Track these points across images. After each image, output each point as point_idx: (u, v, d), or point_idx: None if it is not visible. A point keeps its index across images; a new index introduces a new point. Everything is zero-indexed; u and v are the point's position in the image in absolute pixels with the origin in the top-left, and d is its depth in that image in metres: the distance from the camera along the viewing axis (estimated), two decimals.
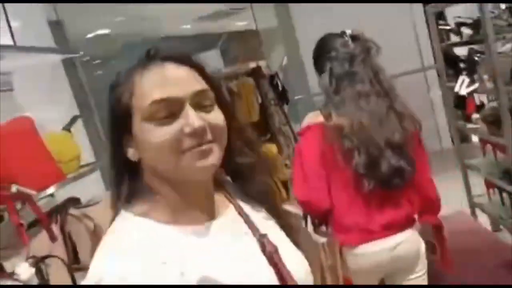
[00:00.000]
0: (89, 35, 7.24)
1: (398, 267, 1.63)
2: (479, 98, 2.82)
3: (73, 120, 1.76)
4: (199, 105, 0.70)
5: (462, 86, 2.71)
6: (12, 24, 1.65)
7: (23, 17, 1.84)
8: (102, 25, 7.27)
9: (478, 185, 3.05)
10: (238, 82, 3.51)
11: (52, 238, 1.26)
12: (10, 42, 1.45)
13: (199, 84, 0.72)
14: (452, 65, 2.98)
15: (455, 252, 2.33)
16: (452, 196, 3.48)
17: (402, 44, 6.13)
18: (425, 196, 1.70)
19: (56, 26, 3.28)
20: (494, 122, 2.48)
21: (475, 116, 2.65)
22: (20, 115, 1.71)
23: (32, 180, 1.25)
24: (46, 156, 1.39)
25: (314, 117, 1.73)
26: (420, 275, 1.66)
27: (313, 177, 1.67)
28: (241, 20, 8.77)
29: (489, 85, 2.38)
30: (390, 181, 1.59)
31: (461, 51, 3.03)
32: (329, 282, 1.57)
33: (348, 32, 1.74)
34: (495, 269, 2.25)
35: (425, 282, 1.69)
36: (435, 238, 1.76)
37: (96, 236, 1.54)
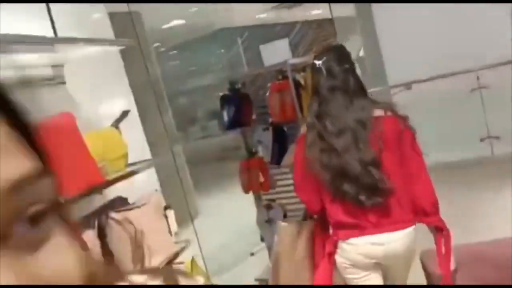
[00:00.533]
0: (165, 26, 7.38)
1: (389, 261, 1.81)
2: None
3: (123, 116, 1.69)
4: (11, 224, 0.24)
5: None
6: (67, 17, 1.60)
7: (78, 8, 1.79)
8: (177, 15, 7.39)
9: None
10: (306, 74, 3.29)
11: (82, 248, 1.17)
12: (51, 34, 1.40)
13: (19, 155, 0.26)
14: None
15: None
16: None
17: (494, 32, 5.53)
18: (416, 199, 1.81)
19: (122, 17, 3.28)
20: None
21: None
22: (72, 109, 1.66)
23: (65, 183, 1.17)
24: (85, 157, 1.31)
25: (305, 127, 1.96)
26: (399, 275, 1.87)
27: (303, 182, 1.94)
28: (317, 9, 8.49)
29: None
30: (356, 200, 1.75)
31: None
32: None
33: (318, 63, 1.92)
34: None
35: (402, 281, 1.89)
36: (434, 240, 1.83)
37: (137, 242, 1.45)
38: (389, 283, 1.89)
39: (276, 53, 3.47)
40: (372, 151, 1.76)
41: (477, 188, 4.81)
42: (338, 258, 1.87)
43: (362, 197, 1.74)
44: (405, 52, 6.19)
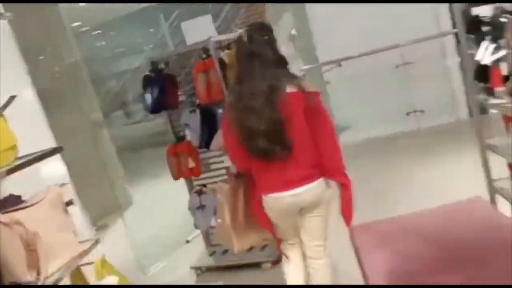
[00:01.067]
0: (82, 3, 6.85)
1: (302, 207, 2.18)
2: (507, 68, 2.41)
3: (8, 102, 1.46)
4: None
5: (485, 53, 2.32)
6: None
7: None
8: None
9: (499, 166, 2.70)
10: (231, 52, 3.15)
11: None
12: None
13: None
14: (475, 30, 2.58)
15: (471, 245, 2.03)
16: (469, 179, 3.15)
17: (418, 9, 5.69)
18: (323, 161, 2.13)
19: None
20: None
21: (500, 89, 2.28)
22: None
23: None
24: None
25: None
26: (317, 215, 2.21)
27: (229, 147, 2.24)
28: None
29: None
30: (265, 157, 2.08)
31: (486, 12, 2.61)
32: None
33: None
34: None
35: (320, 221, 2.24)
36: (340, 193, 2.17)
37: (29, 246, 1.26)
38: (307, 222, 2.25)
39: (199, 30, 3.28)
40: (280, 113, 2.04)
41: (403, 161, 4.98)
42: (265, 207, 2.23)
43: (271, 151, 2.06)
44: (335, 30, 6.22)
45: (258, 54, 2.08)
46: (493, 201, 2.67)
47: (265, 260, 3.38)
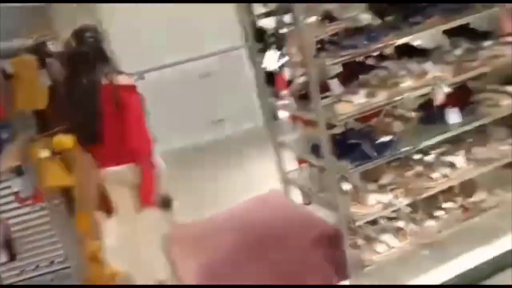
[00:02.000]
0: None
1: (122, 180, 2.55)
2: (293, 73, 2.77)
3: None
4: None
5: (271, 61, 2.62)
6: None
7: None
8: None
9: (293, 160, 3.07)
10: (16, 61, 2.77)
11: None
12: None
13: None
14: (262, 40, 2.89)
15: (272, 232, 2.24)
16: (270, 174, 3.50)
17: (221, 23, 6.01)
18: (128, 147, 2.44)
19: None
20: (303, 96, 2.45)
21: (285, 92, 2.59)
22: None
23: None
24: None
25: None
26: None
27: None
28: None
29: (298, 58, 2.31)
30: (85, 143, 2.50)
31: (270, 23, 2.95)
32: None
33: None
34: (309, 243, 2.20)
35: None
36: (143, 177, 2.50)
37: None
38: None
39: None
40: (96, 107, 2.34)
41: (211, 166, 5.21)
42: None
43: (85, 139, 2.41)
44: (135, 42, 6.13)
45: (83, 54, 2.38)
46: (287, 191, 3.02)
47: None
